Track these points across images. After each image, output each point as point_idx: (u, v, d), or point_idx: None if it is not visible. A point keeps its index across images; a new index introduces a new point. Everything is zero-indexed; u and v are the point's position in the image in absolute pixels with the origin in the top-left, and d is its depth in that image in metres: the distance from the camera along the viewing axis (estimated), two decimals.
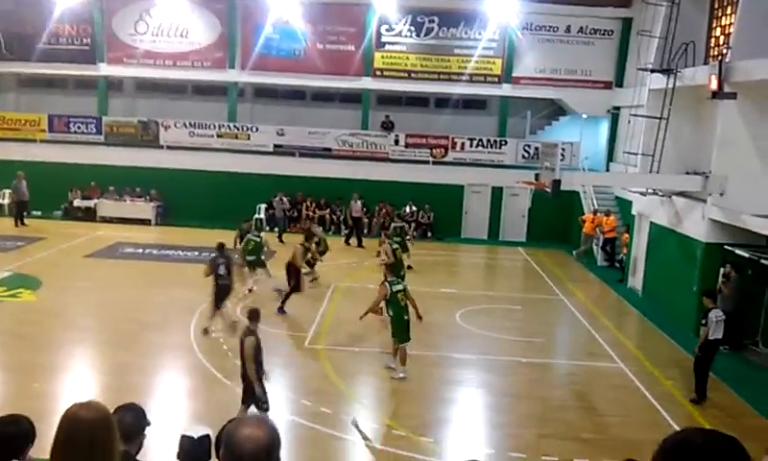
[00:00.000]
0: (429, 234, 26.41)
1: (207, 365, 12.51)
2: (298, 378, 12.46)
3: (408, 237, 20.97)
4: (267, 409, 9.57)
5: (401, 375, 12.35)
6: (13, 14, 27.27)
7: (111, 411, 3.09)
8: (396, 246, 17.36)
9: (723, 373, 13.44)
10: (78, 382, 11.84)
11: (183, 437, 4.52)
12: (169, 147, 27.15)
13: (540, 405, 11.70)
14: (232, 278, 14.43)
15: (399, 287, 12.63)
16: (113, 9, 27.28)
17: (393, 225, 21.05)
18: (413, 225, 25.51)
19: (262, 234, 18.72)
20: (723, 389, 12.77)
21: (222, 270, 14.05)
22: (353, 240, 24.54)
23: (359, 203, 25.35)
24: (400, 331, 12.49)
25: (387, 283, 12.60)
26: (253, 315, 9.84)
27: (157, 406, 10.39)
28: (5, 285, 16.97)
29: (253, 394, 9.61)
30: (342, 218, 26.28)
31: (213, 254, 14.43)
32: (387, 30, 26.99)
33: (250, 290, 17.29)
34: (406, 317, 12.50)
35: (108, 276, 18.61)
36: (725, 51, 16.64)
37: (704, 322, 11.94)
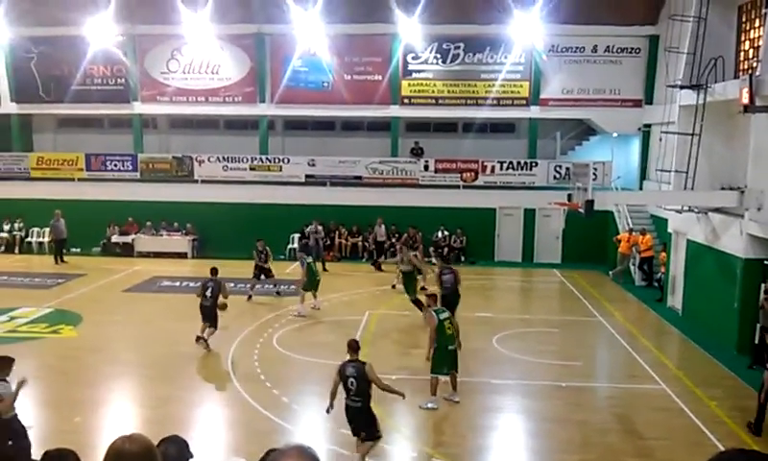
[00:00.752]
0: (462, 259, 26.31)
1: (246, 396, 12.59)
2: (335, 408, 12.46)
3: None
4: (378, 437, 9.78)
5: (431, 405, 12.12)
6: (49, 58, 28.11)
7: (155, 444, 3.15)
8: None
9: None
10: (119, 416, 12.00)
11: None
12: (203, 181, 27.61)
13: (581, 430, 11.53)
14: (216, 300, 15.40)
15: (445, 315, 12.47)
16: (145, 48, 27.97)
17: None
18: (445, 249, 25.48)
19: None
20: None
21: (209, 293, 15.37)
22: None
23: (383, 227, 25.57)
24: (442, 362, 12.20)
25: (433, 312, 12.44)
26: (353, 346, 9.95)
27: (198, 438, 10.47)
28: (46, 322, 17.32)
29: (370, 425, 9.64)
30: (367, 244, 26.48)
31: (206, 279, 15.76)
32: (413, 58, 27.22)
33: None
34: (451, 347, 12.27)
35: (146, 310, 18.88)
36: (755, 64, 16.49)
37: None
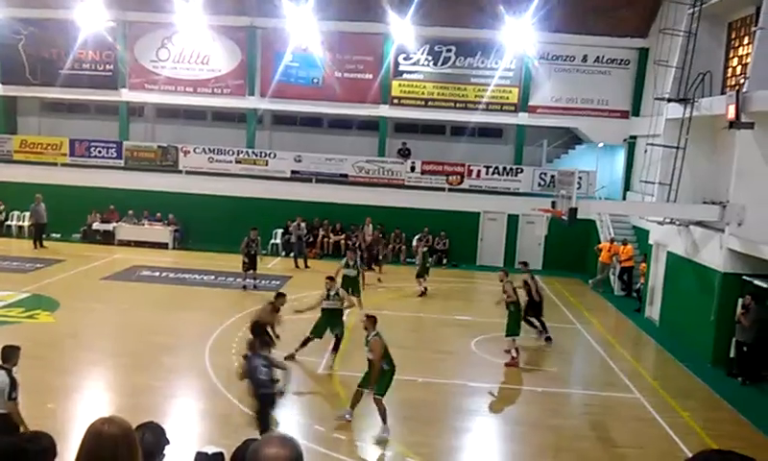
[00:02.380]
0: (445, 261, 26.38)
1: (222, 388, 12.52)
2: (312, 404, 12.45)
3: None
4: None
5: (385, 435, 10.94)
6: (38, 40, 27.87)
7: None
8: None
9: (741, 405, 13.30)
10: (93, 403, 11.90)
11: (199, 454, 4.57)
12: (188, 172, 27.47)
13: (555, 435, 11.59)
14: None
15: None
16: (136, 35, 27.79)
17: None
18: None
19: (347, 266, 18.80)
20: (741, 421, 12.61)
21: None
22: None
23: (370, 227, 25.60)
24: (387, 384, 11.20)
25: (378, 337, 11.25)
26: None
27: (172, 428, 10.39)
28: (23, 306, 17.15)
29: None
30: (357, 244, 26.27)
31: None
32: (405, 59, 27.25)
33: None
34: (386, 367, 11.17)
35: (124, 298, 18.75)
36: (742, 81, 16.65)
37: None
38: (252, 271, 20.53)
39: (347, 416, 11.42)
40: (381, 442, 10.81)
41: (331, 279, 14.83)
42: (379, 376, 11.03)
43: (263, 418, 9.86)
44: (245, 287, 20.40)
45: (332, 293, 14.61)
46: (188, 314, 17.57)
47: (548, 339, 16.94)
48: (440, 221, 26.44)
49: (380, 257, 24.36)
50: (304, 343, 14.36)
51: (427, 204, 26.45)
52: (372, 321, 11.39)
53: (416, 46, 26.99)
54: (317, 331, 14.47)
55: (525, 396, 13.51)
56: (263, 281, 21.04)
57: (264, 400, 9.90)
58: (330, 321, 14.48)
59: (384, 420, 10.95)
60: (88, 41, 27.51)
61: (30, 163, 27.70)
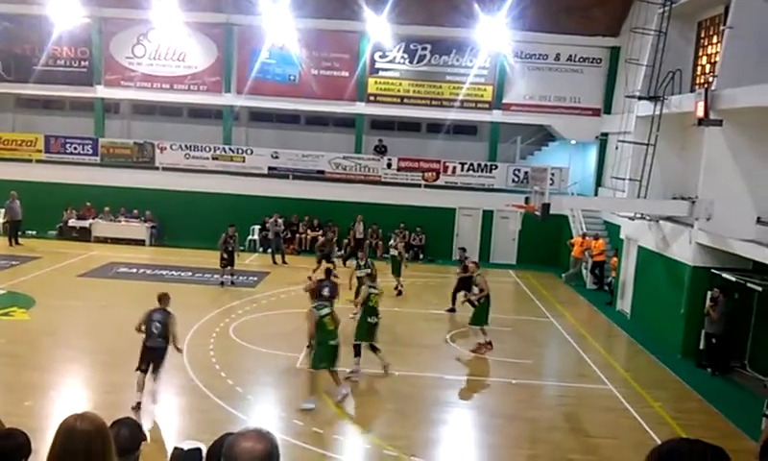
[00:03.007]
0: (421, 257, 26.61)
1: (200, 384, 12.60)
2: (289, 398, 12.55)
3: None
4: None
5: (308, 406, 11.62)
6: (11, 35, 27.59)
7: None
8: None
9: (711, 395, 13.66)
10: (70, 400, 11.92)
11: (176, 449, 4.63)
12: (164, 169, 27.39)
13: (530, 426, 11.83)
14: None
15: (326, 310, 12.13)
16: (111, 32, 27.62)
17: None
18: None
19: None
20: (711, 412, 12.95)
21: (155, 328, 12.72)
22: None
23: (361, 225, 25.74)
24: (322, 358, 11.89)
25: (314, 309, 12.16)
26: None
27: (149, 425, 10.51)
28: None
29: None
30: (346, 241, 26.19)
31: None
32: (381, 56, 27.41)
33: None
34: (332, 342, 11.98)
35: (101, 295, 18.70)
36: (711, 79, 17.02)
37: None
38: (229, 267, 20.57)
39: (306, 406, 11.64)
40: (304, 410, 11.52)
41: (361, 250, 18.77)
42: (315, 348, 12.06)
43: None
44: (223, 284, 20.46)
45: (362, 263, 17.40)
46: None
47: (452, 310, 18.92)
48: (416, 217, 26.67)
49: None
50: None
51: (404, 200, 26.67)
52: (312, 291, 13.61)
53: (392, 44, 27.16)
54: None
55: (500, 388, 13.76)
56: (240, 278, 21.11)
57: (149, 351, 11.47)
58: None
59: (311, 392, 11.77)
60: (63, 37, 27.30)
61: (4, 160, 27.42)
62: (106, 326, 16.05)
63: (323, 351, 11.92)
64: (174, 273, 21.81)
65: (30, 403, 11.25)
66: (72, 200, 26.95)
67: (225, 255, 20.51)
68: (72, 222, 26.81)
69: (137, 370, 11.39)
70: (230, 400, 12.00)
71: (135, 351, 14.26)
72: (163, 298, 11.80)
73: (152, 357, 11.47)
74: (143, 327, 11.53)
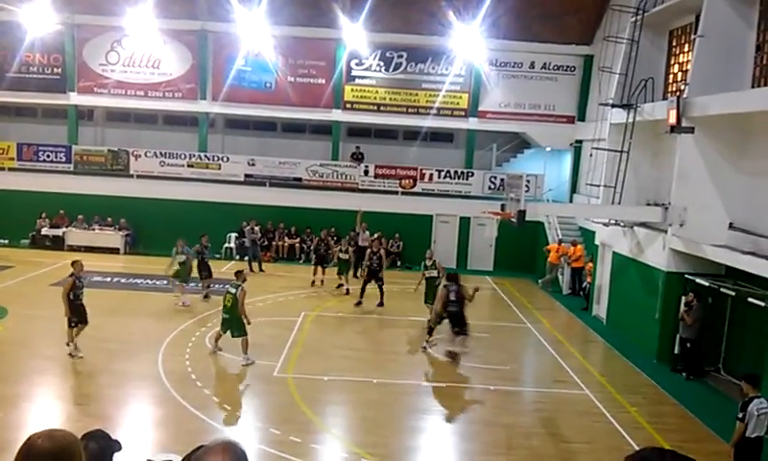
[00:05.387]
0: (398, 264, 26.63)
1: (175, 394, 12.49)
2: (266, 407, 12.50)
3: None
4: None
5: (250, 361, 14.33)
6: None
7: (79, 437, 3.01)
8: None
9: (686, 399, 13.82)
10: (44, 412, 11.75)
11: None
12: (139, 176, 27.16)
13: (507, 433, 11.86)
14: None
15: (231, 289, 14.47)
16: (85, 38, 27.37)
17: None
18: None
19: None
20: (686, 415, 13.09)
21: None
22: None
23: (367, 233, 24.81)
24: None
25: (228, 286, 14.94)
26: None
27: (125, 436, 10.35)
28: None
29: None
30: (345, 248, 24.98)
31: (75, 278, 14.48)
32: (357, 64, 27.46)
33: None
34: (225, 315, 14.50)
35: None
36: (683, 87, 17.28)
37: (741, 415, 9.45)
38: (208, 277, 20.20)
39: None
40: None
41: (428, 250, 19.80)
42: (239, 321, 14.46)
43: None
44: (206, 296, 19.80)
45: (429, 263, 18.54)
46: (140, 320, 17.41)
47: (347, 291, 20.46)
48: (393, 224, 26.68)
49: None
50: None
51: (381, 207, 26.62)
52: (239, 275, 14.86)
53: (368, 52, 27.22)
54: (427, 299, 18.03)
55: (477, 394, 13.79)
56: (216, 286, 20.91)
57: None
58: (430, 288, 17.87)
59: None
60: (36, 44, 26.99)
61: None
62: (80, 336, 15.80)
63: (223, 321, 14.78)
64: (149, 281, 21.60)
65: (1, 415, 11.07)
66: (45, 208, 26.61)
67: (200, 266, 20.14)
68: (45, 230, 26.45)
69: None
70: (207, 410, 11.91)
71: (109, 361, 14.15)
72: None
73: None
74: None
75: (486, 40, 26.13)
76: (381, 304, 20.11)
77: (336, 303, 20.33)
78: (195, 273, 19.98)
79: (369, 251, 20.52)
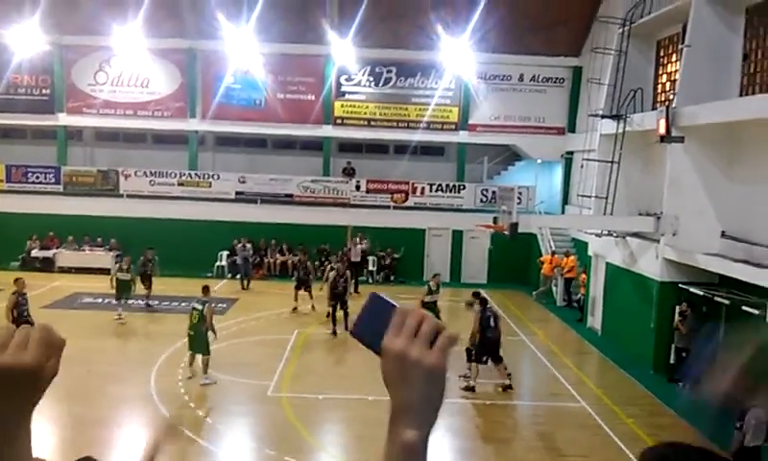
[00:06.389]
0: (392, 278, 26.53)
1: (168, 416, 12.34)
2: (261, 428, 12.37)
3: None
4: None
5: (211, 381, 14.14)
6: None
7: None
8: None
9: (683, 410, 13.72)
10: (34, 437, 11.54)
11: None
12: (129, 196, 27.01)
13: (505, 448, 11.79)
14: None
15: (197, 306, 14.29)
16: (72, 59, 27.30)
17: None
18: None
19: None
20: (682, 425, 13.00)
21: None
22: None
23: (359, 247, 24.92)
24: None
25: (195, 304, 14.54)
26: None
27: (117, 460, 10.23)
28: None
29: None
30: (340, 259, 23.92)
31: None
32: (346, 80, 27.48)
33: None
34: (191, 332, 14.27)
35: (66, 327, 17.92)
36: (671, 96, 17.34)
37: (738, 424, 9.39)
38: (148, 290, 20.73)
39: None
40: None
41: (436, 275, 18.71)
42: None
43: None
44: (148, 304, 20.49)
45: (434, 288, 17.84)
46: (132, 340, 17.26)
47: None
48: (386, 238, 26.59)
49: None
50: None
51: (373, 221, 26.55)
52: (206, 291, 14.63)
53: (357, 67, 27.25)
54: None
55: (473, 409, 13.68)
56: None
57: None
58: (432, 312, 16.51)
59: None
60: (23, 65, 26.88)
61: None
62: (71, 358, 15.25)
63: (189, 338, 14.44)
64: (140, 302, 21.40)
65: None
66: (35, 229, 26.38)
67: (144, 278, 20.65)
68: (35, 252, 26.22)
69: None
70: (200, 431, 11.78)
71: (100, 384, 13.99)
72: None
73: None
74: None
75: (475, 54, 26.20)
76: (347, 328, 17.33)
77: (329, 320, 20.17)
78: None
79: (334, 275, 18.78)
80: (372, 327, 1.27)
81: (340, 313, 18.45)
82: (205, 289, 14.77)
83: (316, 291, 20.34)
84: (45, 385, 1.21)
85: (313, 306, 20.71)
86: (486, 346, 14.38)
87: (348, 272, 19.54)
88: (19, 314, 14.45)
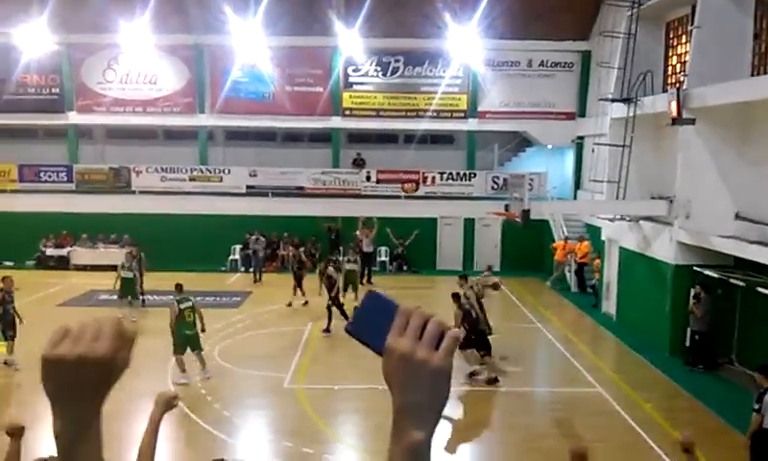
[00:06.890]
0: (405, 268, 26.54)
1: (186, 410, 12.42)
2: (278, 420, 12.44)
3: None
4: None
5: (183, 380, 13.73)
6: None
7: None
8: None
9: (700, 393, 13.71)
10: (48, 437, 11.66)
11: None
12: (141, 192, 27.14)
13: (522, 435, 11.79)
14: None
15: (187, 304, 14.01)
16: (81, 57, 27.39)
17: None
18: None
19: None
20: (700, 408, 13.00)
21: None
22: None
23: (371, 237, 24.89)
24: (180, 344, 13.89)
25: (175, 301, 14.02)
26: None
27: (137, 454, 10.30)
28: None
29: None
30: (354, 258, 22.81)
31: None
32: (354, 70, 27.42)
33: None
34: (188, 332, 13.86)
35: None
36: (682, 78, 17.19)
37: (757, 406, 9.39)
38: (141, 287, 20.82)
39: (182, 380, 13.65)
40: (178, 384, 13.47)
41: (463, 277, 16.27)
42: (175, 336, 13.91)
43: None
44: (143, 302, 20.54)
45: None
46: (148, 336, 17.31)
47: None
48: (398, 228, 26.53)
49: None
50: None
51: (384, 211, 26.52)
52: (180, 288, 14.52)
53: (364, 58, 27.18)
54: None
55: (489, 396, 13.70)
56: (224, 298, 20.89)
57: None
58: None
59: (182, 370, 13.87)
60: (32, 65, 27.00)
61: None
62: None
63: (180, 339, 13.88)
64: (155, 297, 21.52)
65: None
66: (49, 228, 26.58)
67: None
68: (50, 251, 26.44)
69: None
70: (218, 424, 11.85)
71: (119, 381, 14.05)
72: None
73: None
74: None
75: (482, 40, 26.05)
76: (327, 331, 17.44)
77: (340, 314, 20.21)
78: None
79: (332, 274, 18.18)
80: (372, 325, 1.28)
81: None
82: (179, 286, 14.72)
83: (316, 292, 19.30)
84: (116, 377, 1.25)
85: (306, 302, 20.40)
86: (481, 336, 14.36)
87: (339, 275, 19.11)
88: (5, 311, 14.55)
